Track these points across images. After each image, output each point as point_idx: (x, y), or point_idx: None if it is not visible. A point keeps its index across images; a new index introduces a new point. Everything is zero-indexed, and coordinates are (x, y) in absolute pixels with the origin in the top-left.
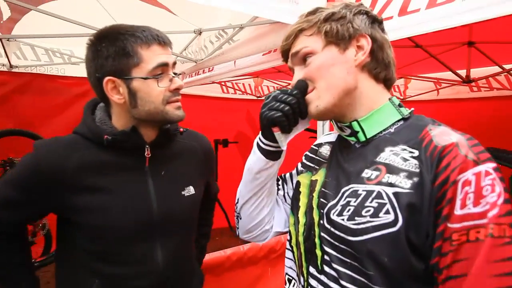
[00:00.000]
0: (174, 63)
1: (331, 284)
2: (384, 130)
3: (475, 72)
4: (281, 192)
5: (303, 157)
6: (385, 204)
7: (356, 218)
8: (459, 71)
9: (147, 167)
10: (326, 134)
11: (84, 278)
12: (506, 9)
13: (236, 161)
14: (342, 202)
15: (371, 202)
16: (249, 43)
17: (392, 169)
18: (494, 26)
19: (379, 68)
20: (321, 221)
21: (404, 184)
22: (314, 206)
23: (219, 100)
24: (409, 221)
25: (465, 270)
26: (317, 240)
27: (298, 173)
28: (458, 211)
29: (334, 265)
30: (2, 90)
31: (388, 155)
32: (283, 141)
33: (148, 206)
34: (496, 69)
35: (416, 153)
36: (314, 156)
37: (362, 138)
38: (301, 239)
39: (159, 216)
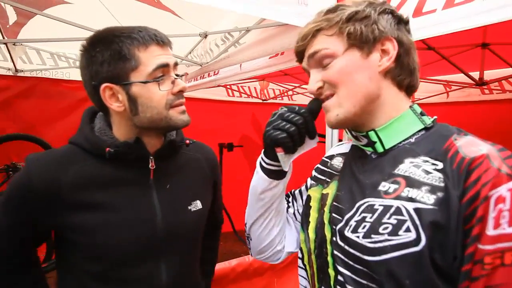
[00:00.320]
0: (176, 64)
1: None
2: (404, 140)
3: (488, 74)
4: (291, 210)
5: (313, 171)
6: (405, 221)
7: (372, 235)
8: (471, 73)
9: (151, 180)
10: (337, 144)
11: None
12: None
13: (241, 165)
14: (356, 218)
15: (389, 218)
16: (255, 46)
17: (412, 183)
18: (509, 27)
19: (403, 74)
20: (334, 238)
21: (427, 199)
22: (326, 221)
23: (224, 104)
24: (433, 240)
25: None
26: (329, 259)
27: (308, 188)
28: (490, 231)
29: (349, 286)
30: (7, 94)
31: (408, 167)
32: (286, 161)
33: (153, 222)
34: (510, 71)
35: (440, 165)
36: (325, 168)
37: (380, 149)
38: (313, 257)
39: (164, 233)
